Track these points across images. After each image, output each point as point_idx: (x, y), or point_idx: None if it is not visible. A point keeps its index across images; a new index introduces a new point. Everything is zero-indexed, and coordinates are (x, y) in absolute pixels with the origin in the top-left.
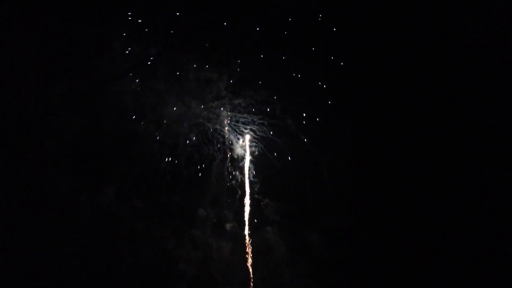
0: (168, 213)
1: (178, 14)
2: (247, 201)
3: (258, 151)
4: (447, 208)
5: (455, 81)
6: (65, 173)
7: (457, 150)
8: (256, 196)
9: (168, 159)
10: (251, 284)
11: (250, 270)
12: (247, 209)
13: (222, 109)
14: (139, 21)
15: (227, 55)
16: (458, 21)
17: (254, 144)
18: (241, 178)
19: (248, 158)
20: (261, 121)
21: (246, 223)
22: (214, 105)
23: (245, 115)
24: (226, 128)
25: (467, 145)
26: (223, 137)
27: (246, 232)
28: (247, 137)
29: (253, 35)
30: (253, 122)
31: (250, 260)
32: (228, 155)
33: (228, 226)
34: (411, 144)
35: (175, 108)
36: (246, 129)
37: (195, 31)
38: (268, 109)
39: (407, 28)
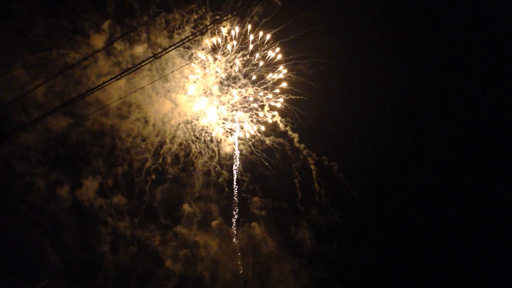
0: (153, 210)
1: (161, 11)
2: (234, 198)
3: (246, 149)
4: (434, 204)
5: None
6: (44, 166)
7: (442, 147)
8: (243, 194)
9: (154, 156)
10: (240, 280)
11: (239, 266)
12: (234, 205)
13: (210, 106)
14: (122, 18)
15: (213, 51)
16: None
17: (242, 141)
18: (229, 175)
19: (236, 155)
20: (250, 119)
21: (233, 220)
22: (202, 103)
23: (233, 113)
24: (214, 125)
25: (446, 143)
26: (211, 134)
27: (233, 229)
28: (236, 134)
29: (240, 31)
30: (241, 120)
31: (238, 257)
32: (216, 153)
33: (214, 223)
34: (399, 141)
35: (161, 106)
36: (234, 126)
37: (179, 27)
38: (256, 107)
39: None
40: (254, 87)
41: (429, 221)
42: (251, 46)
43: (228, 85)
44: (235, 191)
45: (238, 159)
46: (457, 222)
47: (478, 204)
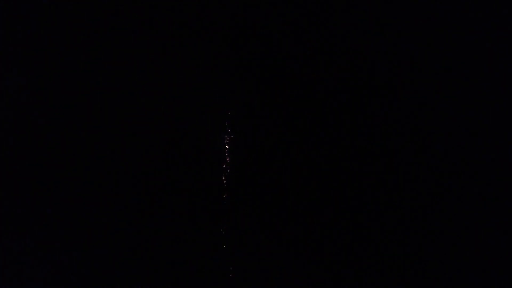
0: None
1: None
2: (224, 195)
3: (237, 145)
4: (429, 201)
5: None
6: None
7: (428, 149)
8: (234, 191)
9: (142, 153)
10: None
11: (230, 263)
12: (224, 202)
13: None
14: (111, 16)
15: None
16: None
17: (233, 138)
18: (219, 172)
19: (226, 151)
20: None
21: (224, 217)
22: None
23: (224, 108)
24: (204, 121)
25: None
26: (202, 130)
27: (224, 226)
28: (227, 130)
29: (228, 26)
30: (232, 116)
31: (229, 254)
32: (206, 149)
33: (204, 219)
34: (391, 138)
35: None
36: (225, 122)
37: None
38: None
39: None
40: None
41: (427, 219)
42: None
43: None
44: (226, 187)
45: (228, 156)
46: (458, 221)
47: (472, 203)
